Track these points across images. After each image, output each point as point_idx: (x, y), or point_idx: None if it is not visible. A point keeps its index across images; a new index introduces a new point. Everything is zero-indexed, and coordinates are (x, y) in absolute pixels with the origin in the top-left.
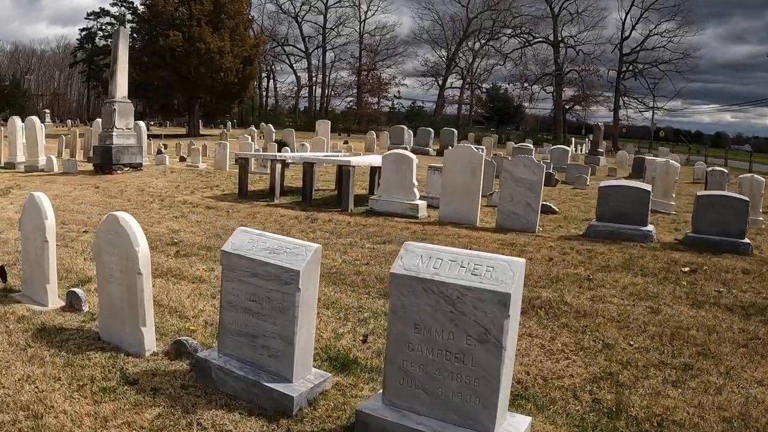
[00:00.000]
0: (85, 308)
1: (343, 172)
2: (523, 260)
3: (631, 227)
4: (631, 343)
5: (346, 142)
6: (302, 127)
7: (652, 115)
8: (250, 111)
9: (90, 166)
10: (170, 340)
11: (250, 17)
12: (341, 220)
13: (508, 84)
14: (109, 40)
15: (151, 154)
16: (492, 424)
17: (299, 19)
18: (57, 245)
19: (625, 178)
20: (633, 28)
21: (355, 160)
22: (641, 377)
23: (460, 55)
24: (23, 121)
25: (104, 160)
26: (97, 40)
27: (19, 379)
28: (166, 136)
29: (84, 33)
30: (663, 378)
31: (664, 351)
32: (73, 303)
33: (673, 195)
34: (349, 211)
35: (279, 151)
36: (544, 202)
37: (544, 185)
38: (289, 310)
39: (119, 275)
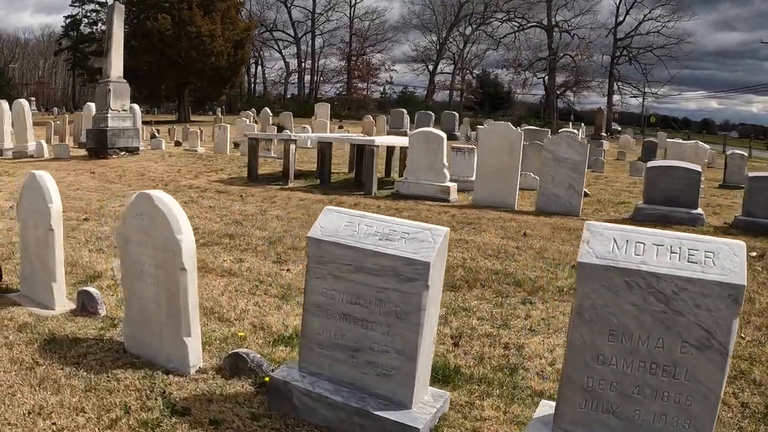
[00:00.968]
0: (102, 311)
1: (366, 153)
2: (743, 242)
3: (682, 210)
4: (743, 335)
5: (341, 127)
6: (294, 113)
7: (643, 101)
8: (238, 97)
9: (82, 152)
10: (216, 350)
11: (240, 0)
12: (369, 204)
13: (501, 69)
14: (95, 27)
15: (145, 139)
16: None
17: (288, 4)
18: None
19: (634, 161)
20: (627, 12)
21: (379, 140)
22: None
23: (452, 40)
24: (10, 106)
25: (99, 144)
26: (82, 27)
27: (29, 412)
28: (156, 122)
29: (69, 20)
30: None
31: None
32: (86, 305)
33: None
34: (373, 194)
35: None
36: None
37: None
38: (412, 315)
39: (154, 272)
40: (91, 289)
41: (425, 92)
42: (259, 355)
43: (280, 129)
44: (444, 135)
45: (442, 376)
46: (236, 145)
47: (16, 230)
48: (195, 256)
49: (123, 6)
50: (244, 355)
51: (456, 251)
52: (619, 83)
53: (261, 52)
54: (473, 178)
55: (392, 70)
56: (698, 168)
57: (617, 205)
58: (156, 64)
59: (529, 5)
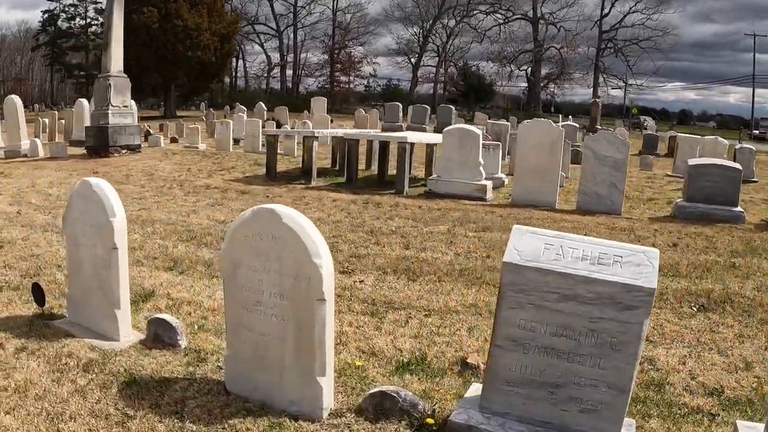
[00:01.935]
0: (183, 342)
1: (399, 150)
2: None
3: (723, 208)
4: None
5: (332, 121)
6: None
7: (625, 93)
8: (219, 92)
9: (78, 150)
10: (341, 386)
11: None
12: (407, 203)
13: (486, 62)
14: (73, 22)
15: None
16: None
17: None
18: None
19: (636, 155)
20: (612, 5)
21: (412, 137)
22: None
23: (435, 33)
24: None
25: (99, 142)
26: (59, 22)
27: None
28: (142, 119)
29: (46, 15)
30: None
31: None
32: (160, 335)
33: None
34: (405, 193)
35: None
36: None
37: (571, 162)
38: (629, 345)
39: (278, 302)
40: (166, 316)
41: (409, 85)
42: (410, 393)
43: (279, 125)
44: (479, 132)
45: None
46: (236, 141)
47: (37, 241)
48: (333, 285)
49: None
50: (393, 394)
51: None
52: (604, 75)
53: (242, 46)
54: (499, 175)
55: (374, 63)
56: (738, 166)
57: (647, 202)
58: (142, 58)
59: None
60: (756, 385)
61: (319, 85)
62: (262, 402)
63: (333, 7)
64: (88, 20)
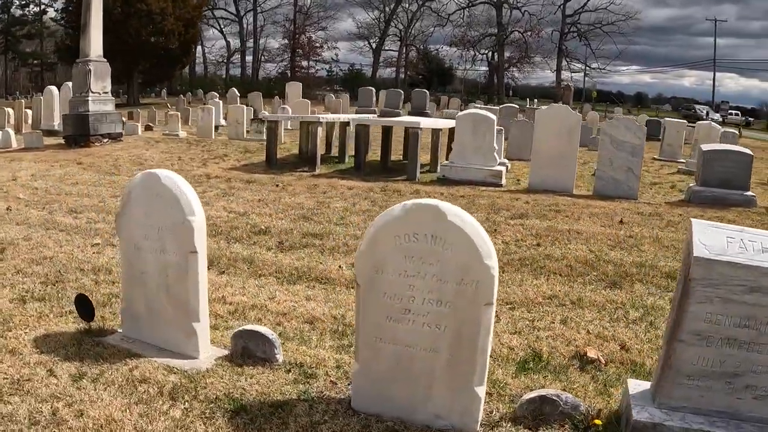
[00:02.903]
0: (280, 357)
1: (411, 136)
2: None
3: (736, 192)
4: None
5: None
6: (242, 93)
7: (584, 77)
8: (178, 79)
9: (54, 140)
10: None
11: None
12: (427, 191)
13: (450, 46)
14: (27, 9)
15: None
16: None
17: None
18: (99, 244)
19: None
20: None
21: (425, 123)
22: None
23: (396, 17)
24: None
25: (79, 131)
26: (13, 9)
27: None
28: None
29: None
30: None
31: None
32: (251, 350)
33: None
34: (417, 179)
35: (254, 115)
36: None
37: None
38: None
39: (434, 309)
40: (259, 327)
41: (370, 70)
42: (570, 395)
43: (254, 112)
44: (494, 117)
45: None
46: (216, 128)
47: (43, 241)
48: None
49: None
50: (554, 397)
51: (575, 243)
52: (567, 59)
53: (201, 32)
54: (503, 160)
55: (335, 48)
56: (750, 152)
57: (653, 186)
58: (104, 44)
59: None
60: None
61: (280, 71)
62: (398, 419)
63: None
64: (42, 7)
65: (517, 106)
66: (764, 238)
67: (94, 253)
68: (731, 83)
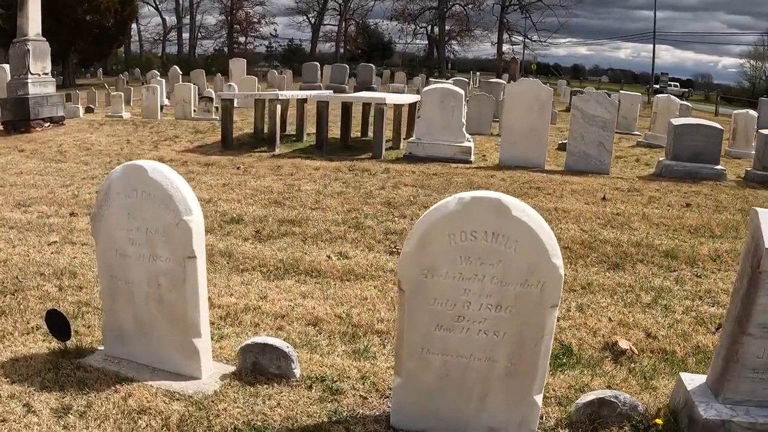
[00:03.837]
0: (297, 371)
1: (376, 112)
2: None
3: (707, 166)
4: None
5: None
6: (184, 71)
7: (523, 50)
8: (114, 58)
9: None
10: None
11: None
12: (398, 169)
13: (390, 20)
14: None
15: None
16: None
17: None
18: (56, 242)
19: (565, 111)
20: None
21: (390, 98)
22: None
23: None
24: None
25: (19, 115)
26: None
27: None
28: None
29: None
30: None
31: None
32: (264, 366)
33: None
34: (382, 157)
35: (200, 94)
36: None
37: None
38: None
39: (492, 314)
40: (272, 339)
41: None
42: (628, 395)
43: (200, 90)
44: (462, 91)
45: None
46: (161, 108)
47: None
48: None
49: None
50: (612, 399)
51: (566, 222)
52: (509, 32)
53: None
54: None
55: (273, 23)
56: (720, 126)
57: (619, 160)
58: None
59: None
60: None
61: (217, 48)
62: None
63: None
64: None
65: (467, 80)
66: None
67: (52, 253)
68: (667, 55)
